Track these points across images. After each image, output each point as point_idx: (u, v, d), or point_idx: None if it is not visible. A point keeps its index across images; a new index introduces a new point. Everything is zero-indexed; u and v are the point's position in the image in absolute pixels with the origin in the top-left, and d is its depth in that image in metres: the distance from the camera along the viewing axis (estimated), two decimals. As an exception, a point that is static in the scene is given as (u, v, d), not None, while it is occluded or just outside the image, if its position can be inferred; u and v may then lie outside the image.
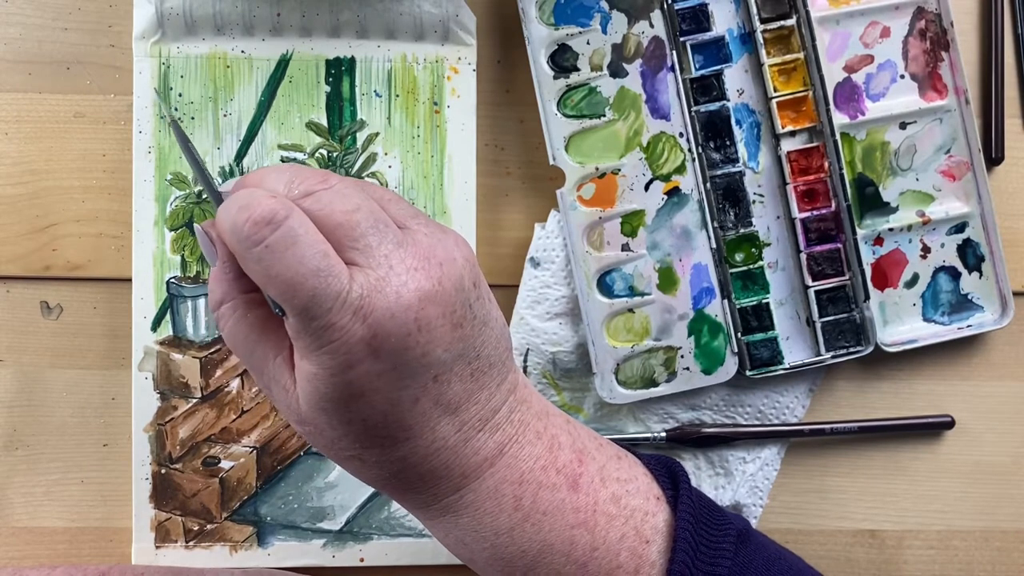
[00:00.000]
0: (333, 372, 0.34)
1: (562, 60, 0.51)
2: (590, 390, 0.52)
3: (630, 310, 0.51)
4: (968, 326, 0.53)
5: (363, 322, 0.33)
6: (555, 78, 0.51)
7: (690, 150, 0.51)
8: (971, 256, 0.53)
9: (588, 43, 0.51)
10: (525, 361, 0.52)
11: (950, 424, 0.54)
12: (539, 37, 0.51)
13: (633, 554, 0.38)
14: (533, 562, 0.38)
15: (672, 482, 0.41)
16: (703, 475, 0.53)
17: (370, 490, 0.52)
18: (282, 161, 0.51)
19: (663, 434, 0.52)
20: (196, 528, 0.51)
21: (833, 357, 0.52)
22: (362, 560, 0.52)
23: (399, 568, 0.52)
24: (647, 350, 0.52)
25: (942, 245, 0.53)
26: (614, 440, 0.46)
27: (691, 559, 0.38)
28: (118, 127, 0.51)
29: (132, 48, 0.50)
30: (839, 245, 0.52)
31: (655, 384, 0.52)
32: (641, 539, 0.38)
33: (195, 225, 0.38)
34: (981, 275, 0.53)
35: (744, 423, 0.53)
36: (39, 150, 0.51)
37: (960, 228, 0.53)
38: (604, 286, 0.52)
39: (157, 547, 0.51)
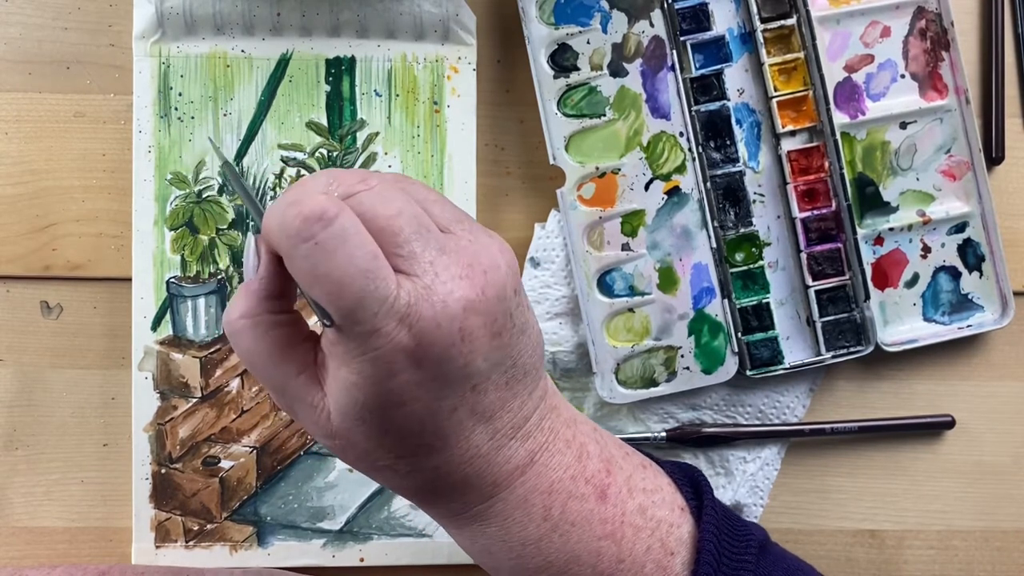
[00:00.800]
0: (373, 381, 0.33)
1: (562, 60, 0.51)
2: (590, 390, 0.52)
3: (630, 310, 0.51)
4: (968, 326, 0.53)
5: (408, 330, 0.32)
6: (555, 78, 0.51)
7: (690, 150, 0.51)
8: (971, 256, 0.53)
9: (588, 42, 0.51)
10: (525, 361, 0.52)
11: (950, 424, 0.54)
12: (539, 36, 0.51)
13: (659, 566, 0.38)
14: (559, 573, 0.37)
15: (695, 492, 0.40)
16: (703, 475, 0.53)
17: (370, 490, 0.52)
18: (282, 161, 0.51)
19: (663, 434, 0.52)
20: (196, 528, 0.51)
21: (833, 357, 0.52)
22: (362, 560, 0.52)
23: (399, 568, 0.52)
24: (647, 350, 0.52)
25: (942, 245, 0.53)
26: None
27: (714, 571, 0.37)
28: (118, 127, 0.51)
29: (132, 48, 0.50)
30: (839, 245, 0.52)
31: (655, 384, 0.52)
32: (666, 551, 0.38)
33: (250, 235, 0.37)
34: (981, 275, 0.53)
35: (744, 423, 0.53)
36: (39, 150, 0.51)
37: (960, 228, 0.53)
38: (604, 286, 0.52)
39: (157, 547, 0.51)
